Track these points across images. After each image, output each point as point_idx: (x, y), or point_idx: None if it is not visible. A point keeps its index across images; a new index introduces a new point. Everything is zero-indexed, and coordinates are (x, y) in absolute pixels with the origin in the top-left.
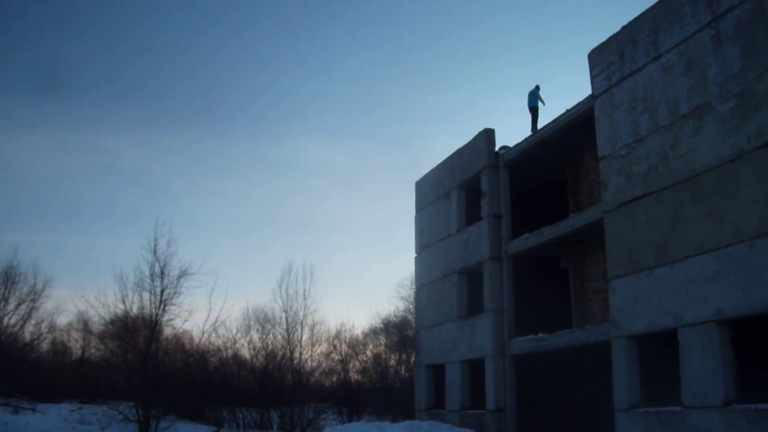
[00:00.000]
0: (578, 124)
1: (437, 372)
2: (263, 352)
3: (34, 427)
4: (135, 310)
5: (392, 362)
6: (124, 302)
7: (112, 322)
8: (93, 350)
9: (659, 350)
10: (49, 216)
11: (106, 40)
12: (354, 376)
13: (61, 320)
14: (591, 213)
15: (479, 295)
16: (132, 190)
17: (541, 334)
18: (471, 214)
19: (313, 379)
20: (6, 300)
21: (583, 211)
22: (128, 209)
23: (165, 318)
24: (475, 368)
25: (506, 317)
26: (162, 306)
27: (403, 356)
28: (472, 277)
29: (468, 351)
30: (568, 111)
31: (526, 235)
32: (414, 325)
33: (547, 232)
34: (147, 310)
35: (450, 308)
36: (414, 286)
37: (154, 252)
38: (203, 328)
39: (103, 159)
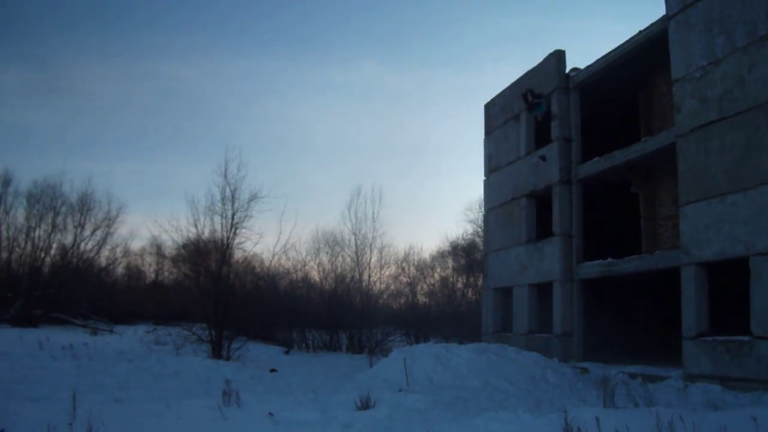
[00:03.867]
0: (651, 46)
1: (505, 295)
2: (332, 275)
3: (113, 347)
4: (207, 234)
5: (459, 285)
6: (195, 226)
7: (184, 246)
8: (166, 274)
9: (729, 279)
10: (121, 145)
11: None
12: (421, 299)
13: (135, 245)
14: (663, 137)
15: (548, 219)
16: (200, 117)
17: (610, 259)
18: (541, 137)
19: (381, 302)
20: (82, 226)
21: (655, 135)
22: (197, 136)
23: (236, 241)
24: (542, 292)
25: (575, 242)
26: (233, 229)
27: (471, 279)
28: (540, 201)
29: (536, 275)
30: (640, 32)
31: (596, 158)
32: (482, 248)
33: (618, 156)
34: (218, 234)
35: (518, 232)
36: (482, 210)
37: (225, 176)
38: (273, 251)
39: (170, 86)
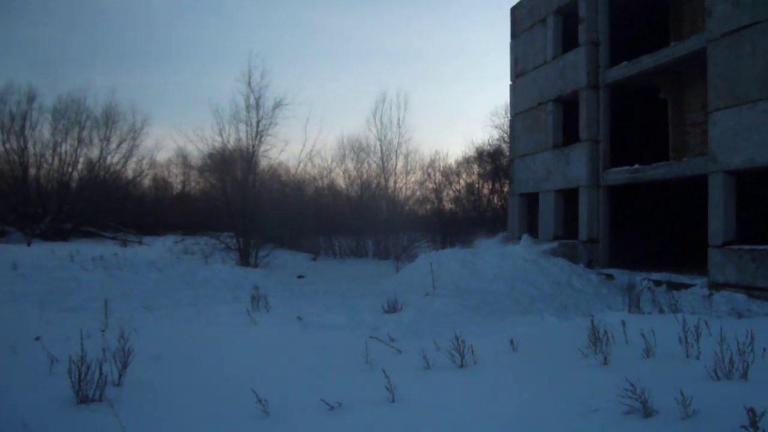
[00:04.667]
0: None
1: (531, 201)
2: (358, 181)
3: (142, 257)
4: (232, 143)
5: (485, 191)
6: (221, 135)
7: (210, 155)
8: (193, 184)
9: (757, 188)
10: (144, 57)
11: None
12: (447, 205)
13: (161, 157)
14: (693, 42)
15: (575, 125)
16: (225, 28)
17: (636, 166)
18: (568, 42)
19: (407, 208)
20: (107, 139)
21: (684, 39)
22: (222, 47)
23: (261, 149)
24: (568, 198)
25: (602, 147)
26: (258, 137)
27: (497, 185)
28: (567, 106)
29: (562, 180)
30: None
31: (624, 63)
32: (508, 154)
33: (647, 61)
34: (243, 142)
35: (545, 137)
36: (509, 115)
37: (249, 84)
38: (299, 158)
39: None
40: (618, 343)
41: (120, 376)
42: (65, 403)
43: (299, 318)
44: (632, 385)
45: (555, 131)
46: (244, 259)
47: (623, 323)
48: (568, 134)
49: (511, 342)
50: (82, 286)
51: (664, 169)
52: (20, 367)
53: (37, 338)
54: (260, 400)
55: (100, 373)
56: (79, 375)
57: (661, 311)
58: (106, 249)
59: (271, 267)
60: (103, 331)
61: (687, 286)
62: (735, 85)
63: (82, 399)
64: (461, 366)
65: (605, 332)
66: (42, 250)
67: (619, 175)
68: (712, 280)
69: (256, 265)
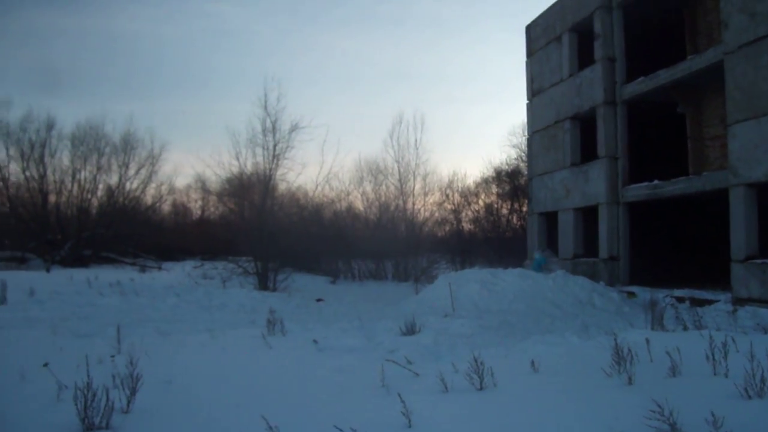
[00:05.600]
0: None
1: (550, 220)
2: (376, 204)
3: (160, 282)
4: (249, 167)
5: (504, 211)
6: (238, 159)
7: (228, 180)
8: (212, 209)
9: None
10: (161, 84)
11: None
12: (466, 226)
13: (181, 183)
14: (710, 54)
15: (592, 142)
16: (240, 53)
17: (656, 181)
18: (584, 58)
19: (426, 229)
20: (126, 166)
21: (701, 52)
22: (238, 72)
23: (278, 172)
24: (587, 216)
25: (620, 164)
26: (275, 160)
27: (515, 205)
28: (585, 123)
29: (581, 198)
30: None
31: (641, 78)
32: (526, 173)
33: (663, 75)
34: (260, 166)
35: (563, 155)
36: (526, 134)
37: (265, 107)
38: (316, 181)
39: (209, 24)
40: (642, 362)
41: (128, 403)
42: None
43: (315, 341)
44: (659, 406)
45: (573, 149)
46: (263, 283)
47: (647, 341)
48: (586, 152)
49: (532, 363)
50: (97, 312)
51: (683, 184)
52: (28, 394)
53: (46, 364)
54: (271, 428)
55: (107, 401)
56: (85, 402)
57: (685, 328)
58: (125, 275)
59: (289, 291)
60: (113, 357)
61: (710, 302)
62: (754, 97)
63: (88, 427)
64: (480, 389)
65: (629, 351)
66: (60, 277)
67: (638, 191)
68: (735, 296)
69: (274, 289)
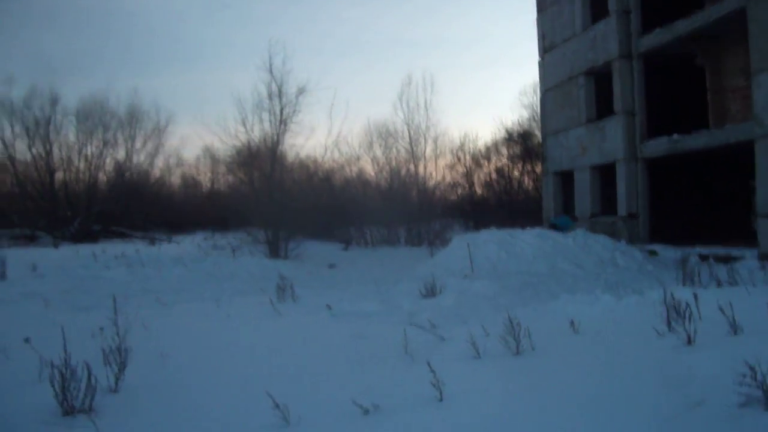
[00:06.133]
0: None
1: (565, 179)
2: (387, 168)
3: (168, 254)
4: (256, 132)
5: (516, 174)
6: (244, 125)
7: (237, 150)
8: (222, 181)
9: None
10: (164, 57)
11: None
12: (478, 189)
13: (190, 155)
14: (730, 2)
15: (608, 97)
16: (244, 24)
17: (676, 136)
18: (597, 11)
19: (438, 193)
20: (133, 139)
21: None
22: (243, 43)
23: (286, 137)
24: (605, 174)
25: (638, 119)
26: (282, 125)
27: (528, 167)
28: (600, 79)
29: (598, 156)
30: None
31: (657, 30)
32: (539, 133)
33: (681, 26)
34: (268, 132)
35: (578, 112)
36: (538, 93)
37: (270, 71)
38: (325, 146)
39: None
40: (692, 320)
41: (116, 381)
42: (51, 415)
43: (328, 306)
44: (752, 368)
45: (588, 105)
46: (274, 252)
47: (695, 297)
48: (602, 108)
49: (572, 323)
50: (101, 285)
51: (705, 137)
52: (9, 372)
53: (27, 340)
54: (278, 405)
55: (89, 379)
56: (63, 382)
57: (719, 285)
58: (134, 248)
59: (301, 258)
60: (101, 329)
61: (736, 259)
62: None
63: (68, 410)
64: (516, 353)
65: (687, 306)
66: (68, 252)
67: (657, 146)
68: (762, 251)
69: (286, 257)
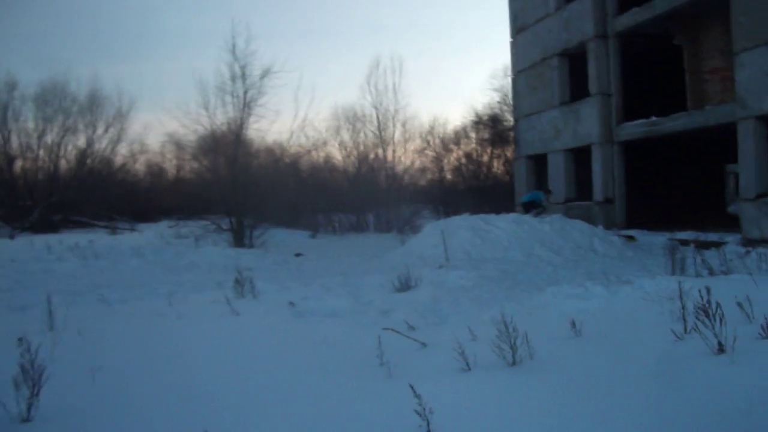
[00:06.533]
0: None
1: (538, 163)
2: (355, 153)
3: (127, 244)
4: (219, 116)
5: (485, 158)
6: (206, 108)
7: (200, 137)
8: (187, 168)
9: None
10: (127, 43)
11: None
12: (448, 175)
13: (155, 143)
14: None
15: (583, 79)
16: (209, 9)
17: (654, 118)
18: None
19: (407, 178)
20: (94, 125)
21: None
22: (208, 28)
23: (251, 120)
24: (580, 157)
25: (614, 101)
26: (246, 109)
27: (497, 151)
28: (574, 60)
29: (572, 139)
30: None
31: (635, 9)
32: (510, 116)
33: (659, 4)
34: (231, 116)
35: (551, 94)
36: (510, 75)
37: (233, 52)
38: (291, 130)
39: None
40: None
41: (28, 407)
42: None
43: (291, 303)
44: None
45: (561, 87)
46: (238, 240)
47: (707, 290)
48: (576, 89)
49: (573, 324)
50: (47, 279)
51: (684, 119)
52: None
53: None
54: None
55: None
56: None
57: (711, 273)
58: (95, 238)
59: (267, 246)
60: (20, 339)
61: (717, 245)
62: (764, 21)
63: None
64: (512, 363)
65: (717, 306)
66: (22, 243)
67: (634, 129)
68: (746, 237)
69: (251, 246)
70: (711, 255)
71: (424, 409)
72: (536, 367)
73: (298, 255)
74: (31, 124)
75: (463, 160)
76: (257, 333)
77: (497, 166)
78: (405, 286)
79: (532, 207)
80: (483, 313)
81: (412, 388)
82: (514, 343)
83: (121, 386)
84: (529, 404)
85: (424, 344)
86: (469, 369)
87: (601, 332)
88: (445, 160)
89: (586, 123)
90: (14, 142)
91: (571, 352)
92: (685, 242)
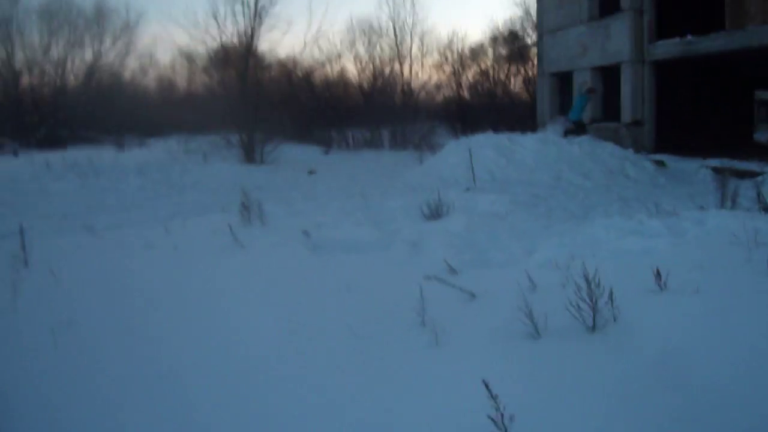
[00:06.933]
0: None
1: (563, 81)
2: (370, 67)
3: (133, 161)
4: (229, 27)
5: (502, 76)
6: (215, 18)
7: (212, 50)
8: (198, 83)
9: None
10: None
11: None
12: (466, 92)
13: (165, 57)
14: None
15: None
16: None
17: (690, 37)
18: None
19: (423, 95)
20: (101, 38)
21: None
22: None
23: (262, 30)
24: (608, 77)
25: (646, 17)
26: (257, 18)
27: (517, 69)
28: None
29: (600, 56)
30: None
31: None
32: (532, 32)
33: None
34: (242, 27)
35: (578, 8)
36: None
37: None
38: (305, 40)
39: None
40: None
41: None
42: None
43: (305, 233)
44: None
45: (590, 1)
46: (249, 156)
47: None
48: (607, 4)
49: (657, 273)
50: (41, 200)
51: (723, 39)
52: None
53: None
54: None
55: None
56: None
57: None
58: (102, 154)
59: (278, 163)
60: None
61: (754, 174)
62: None
63: None
64: (593, 329)
65: None
66: (24, 161)
67: (669, 48)
68: None
69: (261, 162)
70: (747, 186)
71: (502, 414)
72: (622, 334)
73: (311, 172)
74: (36, 38)
75: (481, 77)
76: (264, 275)
77: (515, 85)
78: (436, 214)
79: (581, 129)
80: (525, 247)
81: (486, 385)
82: (596, 301)
83: (87, 353)
84: (624, 393)
85: (472, 294)
86: (539, 335)
87: (691, 285)
88: (463, 77)
89: (616, 40)
90: (19, 56)
91: (659, 314)
92: (718, 170)
